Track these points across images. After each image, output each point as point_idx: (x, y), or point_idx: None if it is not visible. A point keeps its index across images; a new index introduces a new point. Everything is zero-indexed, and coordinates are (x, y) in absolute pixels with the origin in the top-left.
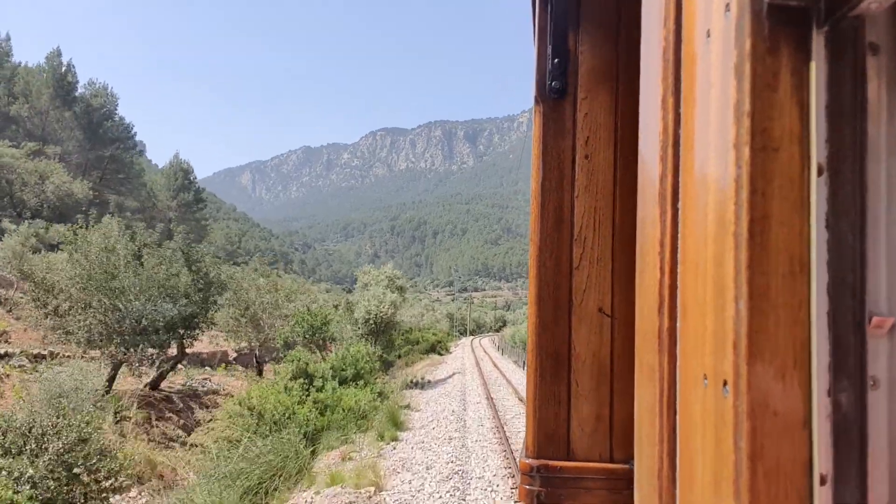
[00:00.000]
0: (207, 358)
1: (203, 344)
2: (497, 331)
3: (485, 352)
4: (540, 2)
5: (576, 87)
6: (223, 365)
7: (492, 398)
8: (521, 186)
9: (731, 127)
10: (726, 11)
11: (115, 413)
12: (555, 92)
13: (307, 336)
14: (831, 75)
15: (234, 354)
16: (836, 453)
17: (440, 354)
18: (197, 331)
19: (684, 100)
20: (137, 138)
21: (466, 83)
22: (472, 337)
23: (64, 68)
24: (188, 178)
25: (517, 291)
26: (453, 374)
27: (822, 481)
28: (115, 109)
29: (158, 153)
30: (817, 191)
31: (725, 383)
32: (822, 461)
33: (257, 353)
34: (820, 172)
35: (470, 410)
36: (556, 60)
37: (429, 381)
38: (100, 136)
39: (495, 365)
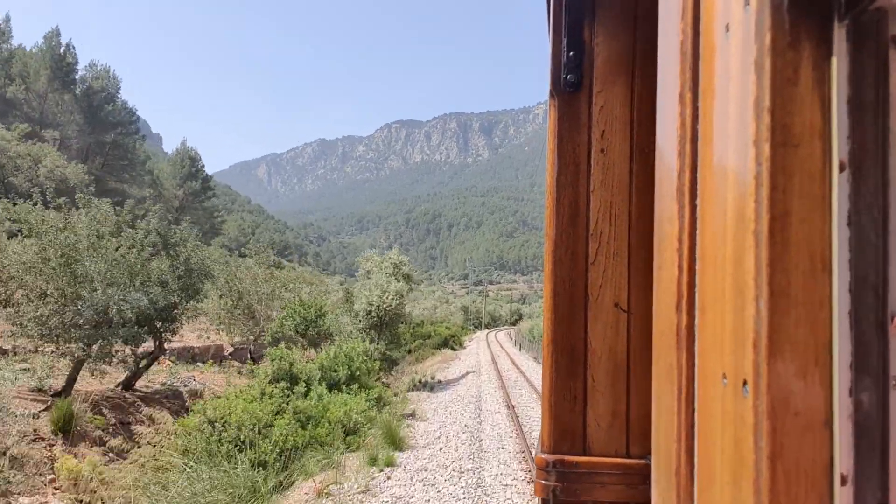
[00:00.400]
0: (200, 353)
1: (194, 337)
2: (513, 324)
3: (501, 347)
4: None
5: (591, 80)
6: (211, 361)
7: (513, 406)
8: (537, 179)
9: (750, 122)
10: (746, 5)
11: (63, 419)
12: (570, 85)
13: (299, 330)
14: (853, 70)
15: (231, 349)
16: (857, 453)
17: (453, 349)
18: (176, 323)
19: (703, 94)
20: (154, 130)
21: (482, 75)
22: (487, 330)
23: (63, 49)
24: (195, 166)
25: (532, 284)
26: (467, 372)
27: (843, 481)
28: (118, 93)
29: (175, 145)
30: (839, 187)
31: (745, 383)
32: (844, 461)
33: (251, 347)
34: (842, 169)
35: (487, 424)
36: (571, 53)
37: (439, 382)
38: (100, 119)
39: (513, 362)
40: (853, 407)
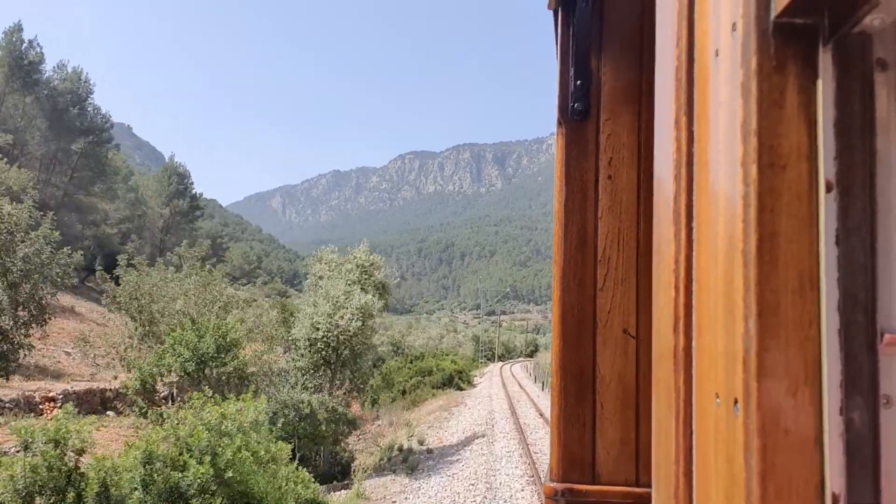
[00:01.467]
0: (86, 397)
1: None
2: (529, 356)
3: (519, 385)
4: (562, 24)
5: (598, 109)
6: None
7: None
8: (550, 208)
9: (738, 145)
10: (733, 30)
11: None
12: (577, 113)
13: (188, 370)
14: (839, 92)
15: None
16: (848, 472)
17: (460, 389)
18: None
19: (697, 119)
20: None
21: (495, 106)
22: (501, 363)
23: (24, 45)
24: (183, 184)
25: (546, 314)
26: (473, 434)
27: (835, 501)
28: (89, 97)
29: (192, 179)
30: (826, 207)
31: (736, 401)
32: (835, 480)
33: (172, 390)
34: (829, 189)
35: None
36: (578, 82)
37: (428, 452)
38: (66, 125)
39: (539, 410)
40: (844, 425)
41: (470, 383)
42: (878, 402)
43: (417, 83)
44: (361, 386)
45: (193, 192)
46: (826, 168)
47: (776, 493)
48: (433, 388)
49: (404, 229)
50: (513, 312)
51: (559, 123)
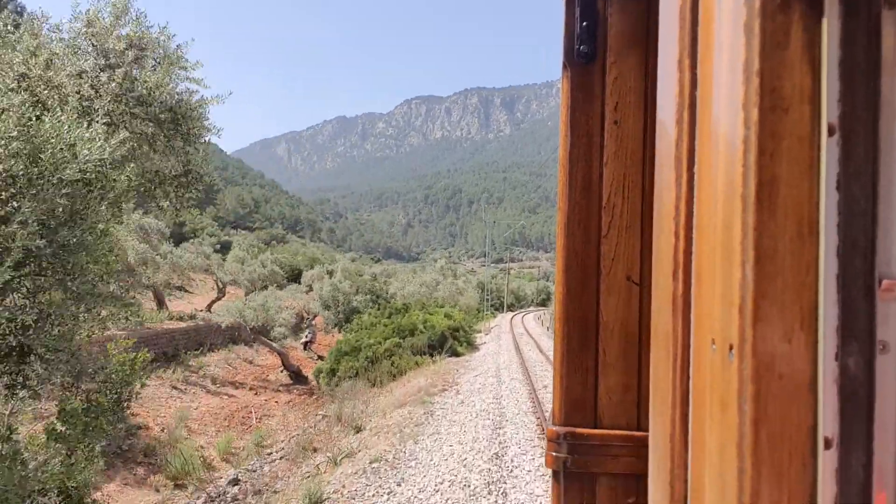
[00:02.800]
0: None
1: None
2: (541, 304)
3: (538, 348)
4: None
5: (605, 51)
6: None
7: None
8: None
9: (740, 87)
10: None
11: None
12: (583, 56)
13: None
14: (845, 31)
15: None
16: (842, 417)
17: (456, 354)
18: None
19: (701, 60)
20: None
21: (503, 49)
22: (511, 314)
23: None
24: None
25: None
26: (465, 481)
27: (828, 445)
28: None
29: None
30: (828, 152)
31: (731, 347)
32: (828, 425)
33: None
34: (831, 133)
35: None
36: (584, 24)
37: None
38: None
39: None
40: (839, 371)
41: (471, 345)
42: (874, 348)
43: (423, 26)
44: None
45: None
46: (829, 111)
47: (768, 437)
48: (417, 353)
49: (411, 176)
50: (521, 260)
51: (564, 67)
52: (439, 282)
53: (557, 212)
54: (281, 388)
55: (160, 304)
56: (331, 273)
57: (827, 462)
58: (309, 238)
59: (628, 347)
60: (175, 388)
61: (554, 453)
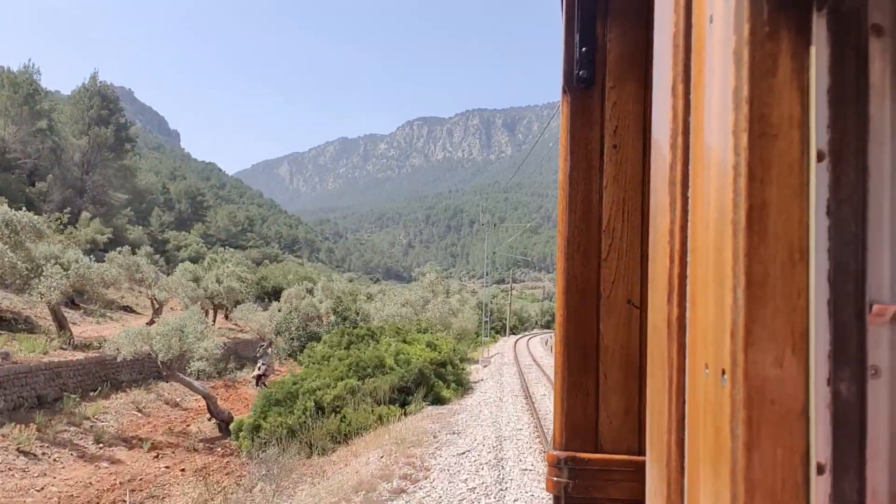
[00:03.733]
0: None
1: None
2: (545, 326)
3: (551, 383)
4: None
5: (604, 76)
6: None
7: None
8: None
9: (730, 113)
10: None
11: None
12: (582, 81)
13: None
14: (833, 59)
15: None
16: (834, 442)
17: (441, 401)
18: None
19: (694, 87)
20: (172, 127)
21: (505, 71)
22: (514, 337)
23: None
24: (108, 108)
25: None
26: None
27: (820, 470)
28: None
29: (196, 145)
30: (817, 177)
31: (724, 372)
32: (821, 450)
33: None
34: (821, 158)
35: None
36: (583, 49)
37: None
38: None
39: None
40: (831, 396)
41: (462, 385)
42: (865, 373)
43: (425, 48)
44: None
45: (124, 121)
46: (818, 137)
47: (761, 462)
48: (380, 404)
49: (412, 197)
50: (523, 280)
51: (564, 91)
52: (428, 300)
53: (557, 235)
54: (200, 445)
55: (60, 326)
56: (310, 291)
57: (820, 487)
58: (307, 258)
59: (629, 371)
60: (25, 453)
61: (555, 478)
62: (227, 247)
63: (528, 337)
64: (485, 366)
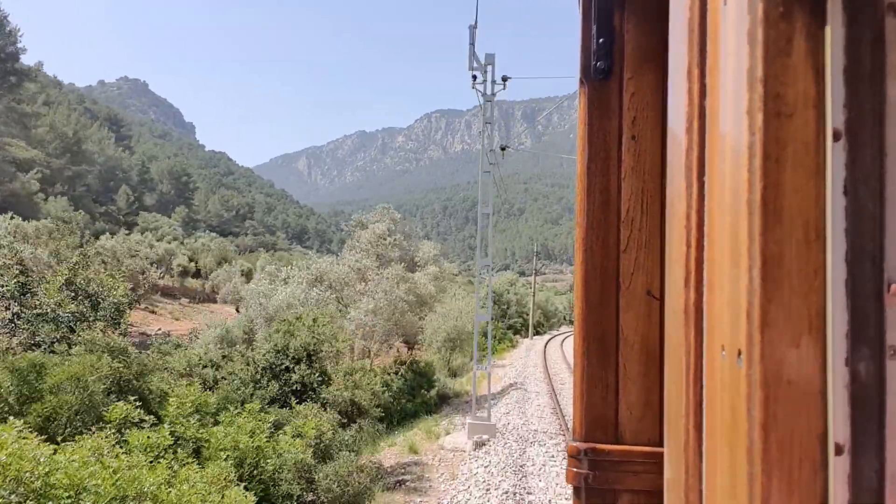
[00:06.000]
0: None
1: None
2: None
3: None
4: None
5: (622, 67)
6: None
7: None
8: None
9: (745, 94)
10: None
11: None
12: (600, 72)
13: None
14: (849, 38)
15: None
16: (853, 423)
17: None
18: None
19: (709, 70)
20: (187, 119)
21: (525, 61)
22: (539, 338)
23: None
24: None
25: None
26: None
27: (838, 451)
28: None
29: (212, 138)
30: (834, 157)
31: (740, 353)
32: (839, 431)
33: None
34: (837, 138)
35: None
36: (601, 40)
37: None
38: None
39: None
40: (849, 376)
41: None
42: (884, 353)
43: (444, 40)
44: None
45: (17, 52)
46: (834, 117)
47: (778, 443)
48: None
49: (430, 188)
50: (545, 273)
51: (581, 83)
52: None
53: (576, 227)
54: None
55: None
56: (247, 273)
57: (839, 468)
58: (316, 249)
59: (649, 362)
60: None
61: (575, 469)
62: (215, 233)
63: (562, 337)
64: (480, 408)
